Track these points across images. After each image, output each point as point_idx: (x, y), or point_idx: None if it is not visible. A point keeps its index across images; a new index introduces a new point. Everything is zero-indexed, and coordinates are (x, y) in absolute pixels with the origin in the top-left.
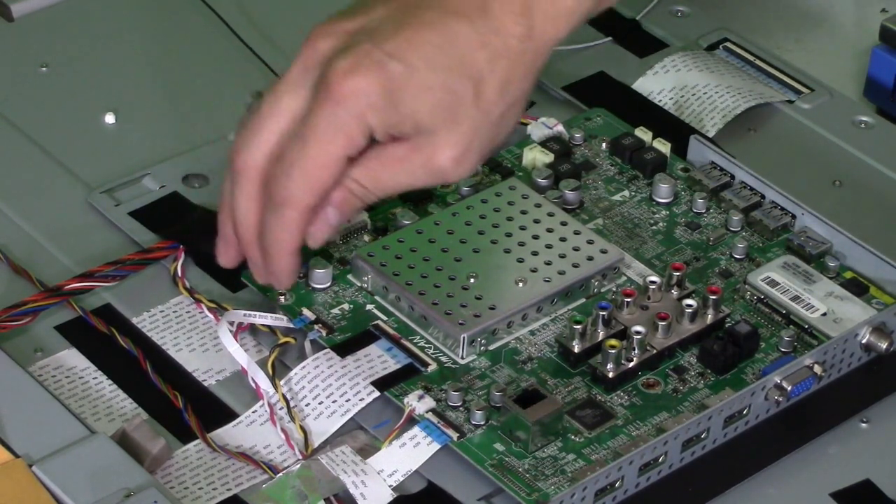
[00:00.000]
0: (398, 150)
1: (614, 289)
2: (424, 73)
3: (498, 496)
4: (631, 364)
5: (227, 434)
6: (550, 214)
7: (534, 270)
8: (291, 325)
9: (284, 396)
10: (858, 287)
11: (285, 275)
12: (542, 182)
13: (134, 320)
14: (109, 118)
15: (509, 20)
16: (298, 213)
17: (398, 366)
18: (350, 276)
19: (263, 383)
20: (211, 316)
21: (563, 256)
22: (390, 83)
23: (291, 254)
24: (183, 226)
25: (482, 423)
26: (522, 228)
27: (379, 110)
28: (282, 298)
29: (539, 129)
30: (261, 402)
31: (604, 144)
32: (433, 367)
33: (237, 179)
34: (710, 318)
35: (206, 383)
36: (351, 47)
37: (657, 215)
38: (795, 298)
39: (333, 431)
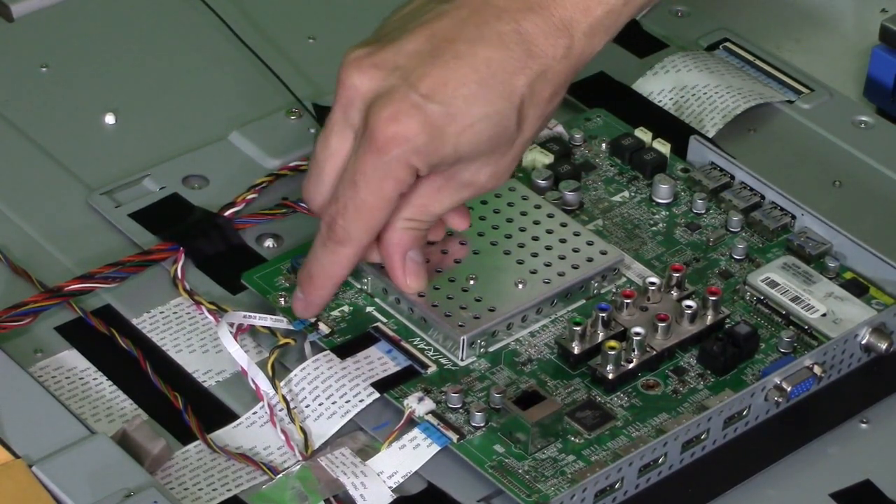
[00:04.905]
0: (437, 181)
1: (614, 290)
2: (465, 111)
3: (498, 497)
4: (631, 365)
5: (227, 435)
6: (550, 216)
7: (533, 272)
8: (291, 327)
9: (284, 398)
10: (858, 287)
11: (321, 305)
12: (542, 183)
13: (134, 321)
14: (109, 118)
15: (547, 43)
16: (355, 251)
17: (398, 368)
18: (350, 279)
19: (263, 384)
20: (211, 317)
21: (562, 258)
22: (432, 126)
23: (336, 287)
24: (183, 227)
25: (482, 424)
26: (522, 230)
27: (423, 153)
28: (282, 301)
29: None
30: (261, 404)
31: (604, 145)
32: (433, 368)
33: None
34: (709, 318)
35: (206, 384)
36: (389, 92)
37: (657, 216)
38: (795, 299)
39: (333, 433)
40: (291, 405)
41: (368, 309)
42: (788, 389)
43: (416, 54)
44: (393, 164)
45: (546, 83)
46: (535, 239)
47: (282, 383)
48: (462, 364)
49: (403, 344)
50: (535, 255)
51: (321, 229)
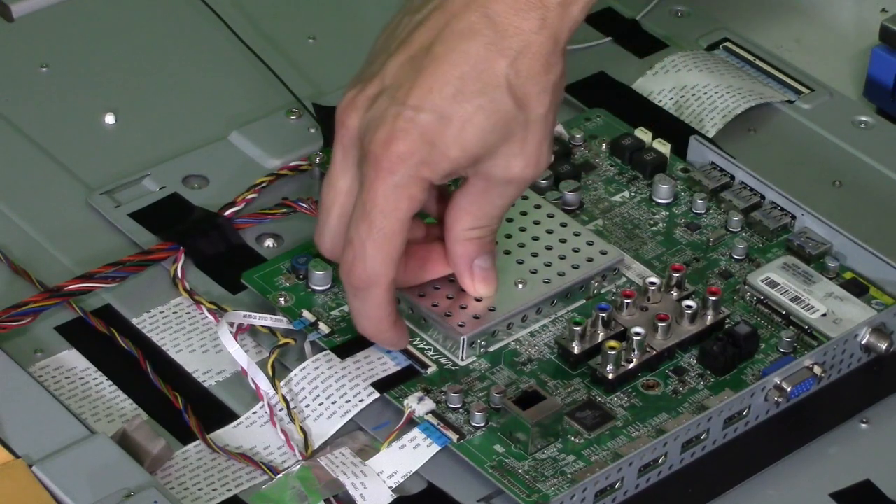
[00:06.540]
0: (477, 185)
1: (614, 290)
2: (457, 111)
3: (498, 497)
4: (631, 365)
5: (227, 435)
6: (550, 215)
7: (533, 272)
8: (291, 327)
9: (284, 397)
10: (858, 287)
11: (397, 342)
12: (542, 183)
13: (134, 321)
14: (109, 118)
15: (517, 18)
16: (385, 289)
17: (398, 367)
18: None
19: (263, 384)
20: (211, 317)
21: (562, 258)
22: (430, 135)
23: (393, 325)
24: (183, 227)
25: (482, 424)
26: (522, 230)
27: (430, 163)
28: (282, 300)
29: None
30: (261, 404)
31: (604, 145)
32: (433, 368)
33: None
34: (709, 319)
35: (206, 384)
36: (379, 116)
37: (657, 216)
38: (795, 299)
39: (333, 433)
40: (291, 405)
41: None
42: (788, 389)
43: (398, 73)
44: (404, 182)
45: (531, 58)
46: (535, 239)
47: (282, 383)
48: (462, 364)
49: None
50: (535, 254)
51: (343, 282)
